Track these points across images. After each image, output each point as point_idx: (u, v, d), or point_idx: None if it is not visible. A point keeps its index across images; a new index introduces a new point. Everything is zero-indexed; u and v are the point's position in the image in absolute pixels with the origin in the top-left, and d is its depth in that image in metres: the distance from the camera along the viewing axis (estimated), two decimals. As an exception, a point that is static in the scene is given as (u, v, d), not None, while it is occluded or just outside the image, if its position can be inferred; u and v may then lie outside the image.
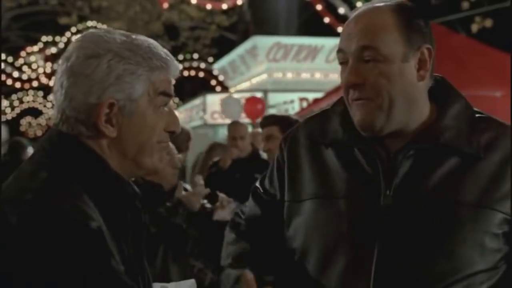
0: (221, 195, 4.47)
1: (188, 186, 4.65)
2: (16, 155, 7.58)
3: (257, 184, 1.92)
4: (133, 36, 1.44)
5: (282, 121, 4.32)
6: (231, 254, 1.84)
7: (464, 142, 1.58)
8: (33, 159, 1.40)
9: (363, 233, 1.57)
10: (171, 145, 3.79)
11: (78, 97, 1.35)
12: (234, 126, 5.60)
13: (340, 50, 1.63)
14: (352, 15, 1.64)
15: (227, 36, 24.93)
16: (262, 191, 1.88)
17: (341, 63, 1.64)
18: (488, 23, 11.80)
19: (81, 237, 1.20)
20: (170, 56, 1.48)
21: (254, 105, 12.19)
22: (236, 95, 15.75)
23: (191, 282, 1.85)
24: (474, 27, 11.99)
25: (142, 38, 1.46)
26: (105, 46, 1.38)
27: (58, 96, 1.38)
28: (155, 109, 1.45)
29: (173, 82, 1.50)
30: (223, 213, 4.28)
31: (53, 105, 1.46)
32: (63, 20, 22.64)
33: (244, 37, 21.39)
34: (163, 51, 1.47)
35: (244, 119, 11.31)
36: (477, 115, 1.66)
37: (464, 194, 1.54)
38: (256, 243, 1.83)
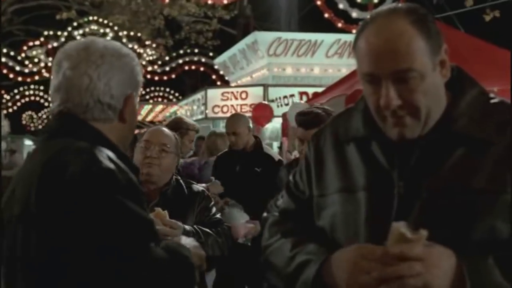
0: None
1: None
2: None
3: (290, 178, 1.95)
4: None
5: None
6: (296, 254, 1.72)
7: (475, 129, 1.56)
8: (59, 143, 1.64)
9: (379, 224, 1.56)
10: None
11: (118, 87, 1.71)
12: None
13: (370, 75, 1.56)
14: (369, 29, 1.56)
15: (228, 31, 24.97)
16: (293, 185, 1.91)
17: (367, 82, 1.58)
18: (497, 14, 11.92)
19: (128, 185, 1.59)
20: None
21: (262, 111, 12.08)
22: (237, 89, 15.83)
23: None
24: (487, 18, 12.12)
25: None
26: (121, 49, 1.75)
27: (88, 86, 1.67)
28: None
29: None
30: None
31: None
32: (63, 15, 22.56)
33: (245, 32, 21.44)
34: None
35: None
36: (491, 101, 1.64)
37: (475, 180, 1.51)
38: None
